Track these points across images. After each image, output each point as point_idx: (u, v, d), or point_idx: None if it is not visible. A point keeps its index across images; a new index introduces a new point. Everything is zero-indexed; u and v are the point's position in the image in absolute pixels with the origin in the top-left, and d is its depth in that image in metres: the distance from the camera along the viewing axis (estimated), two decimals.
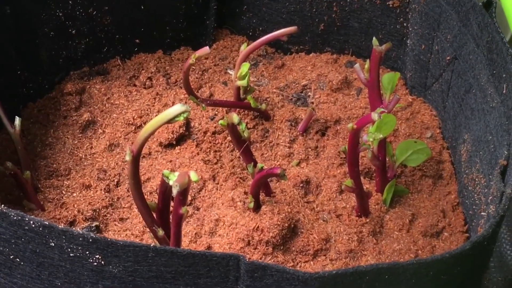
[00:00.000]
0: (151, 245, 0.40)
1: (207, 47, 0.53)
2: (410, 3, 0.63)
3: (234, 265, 0.41)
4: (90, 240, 0.40)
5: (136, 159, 0.43)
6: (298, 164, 0.59)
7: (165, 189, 0.43)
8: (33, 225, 0.41)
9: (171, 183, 0.41)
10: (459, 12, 0.57)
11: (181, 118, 0.39)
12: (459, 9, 0.57)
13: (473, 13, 0.55)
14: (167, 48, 0.69)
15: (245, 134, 0.53)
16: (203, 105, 0.56)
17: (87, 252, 0.41)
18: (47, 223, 0.40)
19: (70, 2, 0.62)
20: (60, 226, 0.40)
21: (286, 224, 0.52)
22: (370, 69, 0.53)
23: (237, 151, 0.56)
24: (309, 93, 0.65)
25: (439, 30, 0.60)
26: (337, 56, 0.69)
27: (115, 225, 0.54)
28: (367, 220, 0.54)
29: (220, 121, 0.51)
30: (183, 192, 0.41)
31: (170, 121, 0.39)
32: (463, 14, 0.57)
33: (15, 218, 0.40)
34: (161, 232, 0.45)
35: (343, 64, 0.66)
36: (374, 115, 0.47)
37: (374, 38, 0.53)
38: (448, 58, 0.59)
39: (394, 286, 0.43)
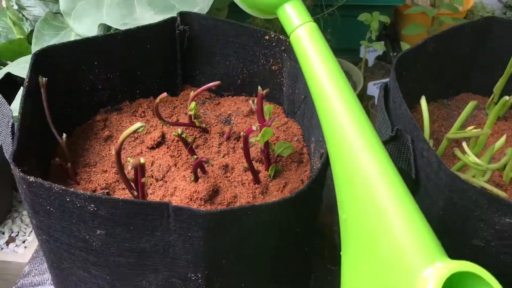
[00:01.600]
0: (121, 198, 0.40)
1: (165, 93, 0.57)
2: (283, 67, 0.66)
3: (166, 207, 0.41)
4: (87, 196, 0.40)
5: (118, 153, 0.45)
6: (223, 156, 0.63)
7: (136, 168, 0.46)
8: (59, 190, 0.41)
9: (129, 165, 0.44)
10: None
11: (140, 129, 0.45)
12: None
13: None
14: (155, 95, 0.71)
15: (189, 140, 0.60)
16: (168, 125, 0.63)
17: (86, 203, 0.41)
18: (70, 189, 0.40)
19: (96, 70, 0.65)
20: (71, 189, 0.40)
21: (211, 188, 0.56)
22: (257, 103, 0.57)
23: (186, 150, 0.60)
24: (232, 118, 0.70)
25: (297, 81, 0.63)
26: (248, 98, 0.72)
27: (119, 191, 0.58)
28: (259, 186, 0.58)
29: (174, 133, 0.57)
30: (140, 168, 0.45)
31: (135, 131, 0.45)
32: None
33: (56, 188, 0.41)
34: (135, 193, 0.48)
35: (250, 102, 0.70)
36: (253, 127, 0.54)
37: (259, 86, 0.57)
38: (303, 97, 0.62)
39: (253, 217, 0.43)
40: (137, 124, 0.44)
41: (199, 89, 0.63)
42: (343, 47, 1.04)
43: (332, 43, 1.23)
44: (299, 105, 0.64)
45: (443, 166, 0.46)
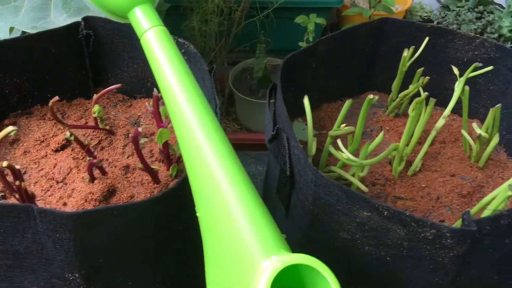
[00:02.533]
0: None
1: (57, 97, 0.58)
2: None
3: (31, 210, 0.43)
4: None
5: None
6: (127, 157, 0.64)
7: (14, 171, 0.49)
8: None
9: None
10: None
11: (12, 133, 0.47)
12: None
13: (207, 75, 0.61)
14: (68, 98, 0.73)
15: (85, 142, 0.61)
16: (67, 127, 0.64)
17: None
18: None
19: (1, 75, 0.65)
20: None
21: (107, 189, 0.57)
22: (153, 105, 0.58)
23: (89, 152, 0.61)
24: (141, 119, 0.71)
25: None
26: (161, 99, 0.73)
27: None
28: (158, 186, 0.59)
29: (65, 135, 0.57)
30: (13, 172, 0.47)
31: (6, 135, 0.46)
32: (202, 73, 0.62)
33: None
34: (17, 196, 0.49)
35: (146, 104, 0.69)
36: (139, 129, 0.55)
37: (154, 89, 0.56)
38: None
39: (122, 217, 0.45)
40: (9, 128, 0.45)
41: (100, 93, 0.64)
42: (283, 48, 1.06)
43: (271, 44, 1.26)
44: None
45: (308, 163, 0.48)
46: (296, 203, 0.54)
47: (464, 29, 1.42)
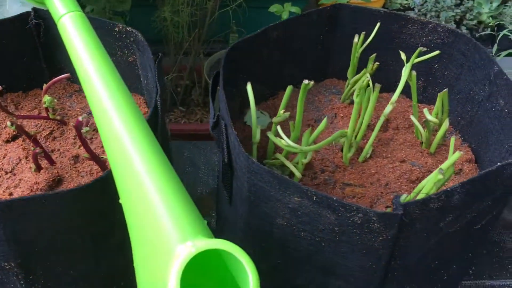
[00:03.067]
0: None
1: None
2: (137, 58, 0.66)
3: None
4: None
5: None
6: (79, 147, 0.64)
7: None
8: None
9: None
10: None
11: None
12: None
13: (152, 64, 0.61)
14: (24, 89, 0.73)
15: (32, 133, 0.61)
16: (14, 117, 0.63)
17: None
18: None
19: None
20: None
21: (52, 179, 0.57)
22: None
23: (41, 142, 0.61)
24: None
25: (148, 72, 0.64)
26: None
27: None
28: None
29: (8, 125, 0.57)
30: None
31: None
32: (149, 61, 0.62)
33: None
34: None
35: None
36: (80, 118, 0.55)
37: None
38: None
39: (50, 206, 0.45)
40: None
41: (48, 84, 0.64)
42: None
43: (244, 34, 1.25)
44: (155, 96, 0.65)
45: (241, 150, 0.48)
46: (236, 190, 0.53)
47: (443, 16, 1.41)
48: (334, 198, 0.43)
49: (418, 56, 0.59)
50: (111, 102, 0.40)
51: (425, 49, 0.58)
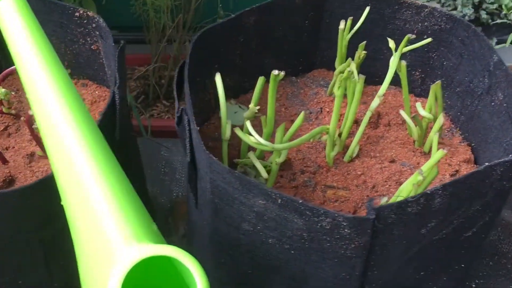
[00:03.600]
0: None
1: None
2: (100, 47, 0.68)
3: None
4: None
5: None
6: (36, 145, 0.65)
7: None
8: None
9: None
10: None
11: None
12: None
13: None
14: None
15: None
16: None
17: None
18: None
19: None
20: None
21: (2, 179, 0.59)
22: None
23: None
24: None
25: (111, 61, 0.65)
26: (77, 80, 0.74)
27: None
28: None
29: None
30: None
31: None
32: (112, 49, 0.63)
33: None
34: None
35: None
36: (30, 112, 0.56)
37: None
38: None
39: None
40: None
41: (1, 74, 0.65)
42: None
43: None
44: None
45: (202, 146, 0.49)
46: (201, 192, 0.54)
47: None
48: (300, 201, 0.44)
49: (407, 45, 0.59)
50: (51, 93, 0.41)
51: (413, 36, 0.59)
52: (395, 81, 0.70)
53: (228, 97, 0.72)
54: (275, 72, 0.51)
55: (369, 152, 0.65)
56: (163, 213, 0.82)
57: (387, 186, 0.61)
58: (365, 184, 0.61)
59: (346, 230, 0.44)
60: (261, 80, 0.55)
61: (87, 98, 0.71)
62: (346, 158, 0.64)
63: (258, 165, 0.53)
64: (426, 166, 0.48)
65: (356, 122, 0.67)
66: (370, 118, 0.68)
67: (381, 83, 0.71)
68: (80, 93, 0.61)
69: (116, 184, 0.40)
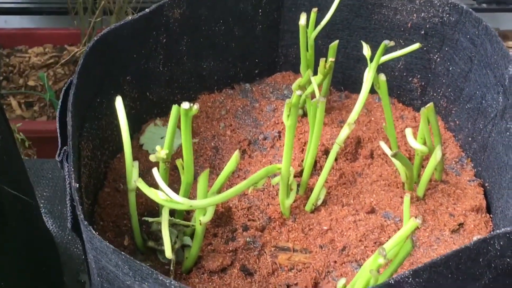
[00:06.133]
0: None
1: None
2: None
3: None
4: None
5: None
6: None
7: None
8: None
9: None
10: None
11: None
12: None
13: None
14: None
15: None
16: None
17: None
18: None
19: None
20: None
21: None
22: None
23: None
24: None
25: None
26: None
27: None
28: None
29: None
30: None
31: None
32: None
33: None
34: None
35: None
36: None
37: None
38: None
39: None
40: None
41: None
42: None
43: None
44: None
45: (80, 215, 0.46)
46: (90, 270, 0.52)
47: None
48: None
49: (385, 53, 0.56)
50: None
51: (392, 43, 0.56)
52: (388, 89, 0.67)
53: (151, 116, 0.70)
54: (185, 105, 0.48)
55: (340, 198, 0.62)
56: (75, 268, 0.80)
57: (363, 247, 0.58)
58: (333, 244, 0.59)
59: None
60: (174, 110, 0.52)
61: None
62: (308, 206, 0.61)
63: (166, 236, 0.50)
64: (391, 241, 0.45)
65: (327, 153, 0.65)
66: (346, 146, 0.66)
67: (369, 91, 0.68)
68: None
69: None
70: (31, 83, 1.30)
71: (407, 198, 0.49)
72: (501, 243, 0.45)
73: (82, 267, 0.80)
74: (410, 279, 0.43)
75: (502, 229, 0.45)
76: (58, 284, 0.76)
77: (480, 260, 0.45)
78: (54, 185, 0.88)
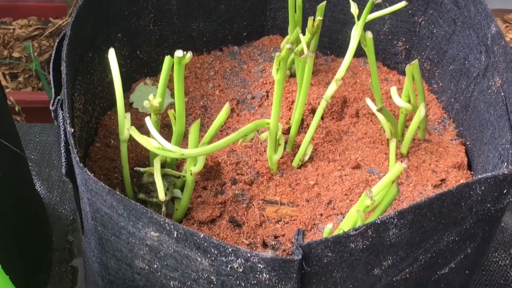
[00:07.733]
0: None
1: None
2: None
3: None
4: None
5: None
6: None
7: None
8: None
9: None
10: None
11: None
12: None
13: None
14: None
15: None
16: None
17: None
18: None
19: None
20: None
21: None
22: None
23: None
24: None
25: None
26: None
27: None
28: None
29: None
30: None
31: None
32: None
33: None
34: None
35: None
36: None
37: None
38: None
39: None
40: None
41: None
42: None
43: None
44: None
45: (75, 157, 0.47)
46: (83, 214, 0.53)
47: None
48: (201, 235, 0.43)
49: (372, 11, 0.58)
50: None
51: (379, 0, 0.57)
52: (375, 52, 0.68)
53: (141, 75, 0.71)
54: (179, 53, 0.49)
55: (327, 154, 0.64)
56: (63, 228, 0.80)
57: (348, 201, 0.60)
58: (319, 198, 0.60)
59: (264, 274, 0.43)
60: (167, 61, 0.53)
61: None
62: (295, 162, 0.63)
63: (158, 180, 0.51)
64: (379, 185, 0.46)
65: (314, 112, 0.66)
66: (333, 106, 0.67)
67: (356, 55, 0.69)
68: None
69: None
70: (15, 54, 1.30)
71: (393, 144, 0.50)
72: (482, 188, 0.47)
73: (70, 228, 0.81)
74: (395, 220, 0.44)
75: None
76: (47, 243, 0.77)
77: (462, 204, 0.47)
78: (41, 149, 0.88)
